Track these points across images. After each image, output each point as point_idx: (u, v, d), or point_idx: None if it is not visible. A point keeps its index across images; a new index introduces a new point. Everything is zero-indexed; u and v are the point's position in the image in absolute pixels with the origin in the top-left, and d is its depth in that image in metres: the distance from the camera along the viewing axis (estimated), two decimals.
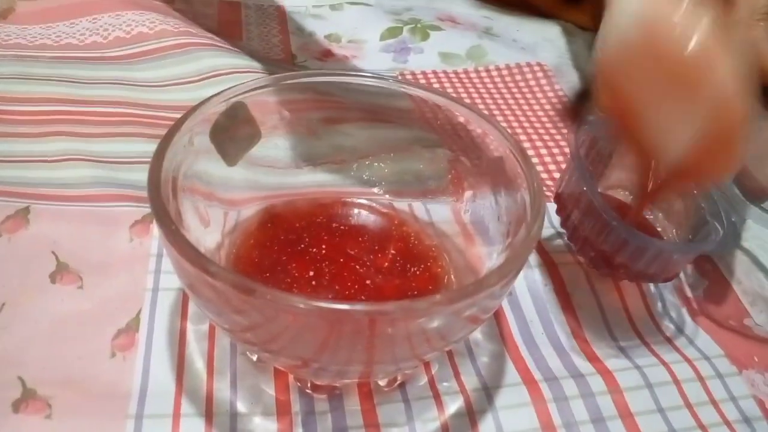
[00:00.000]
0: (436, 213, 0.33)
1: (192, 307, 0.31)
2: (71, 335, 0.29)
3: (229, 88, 0.29)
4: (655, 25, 0.24)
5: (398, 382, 0.28)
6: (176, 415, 0.27)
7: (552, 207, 0.34)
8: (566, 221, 0.34)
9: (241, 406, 0.27)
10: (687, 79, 0.24)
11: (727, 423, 0.29)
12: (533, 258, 0.36)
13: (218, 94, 0.28)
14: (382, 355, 0.24)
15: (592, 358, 0.31)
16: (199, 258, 0.21)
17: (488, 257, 0.29)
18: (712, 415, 0.30)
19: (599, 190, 0.34)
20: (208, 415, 0.27)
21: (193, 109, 0.27)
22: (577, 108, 0.33)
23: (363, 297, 0.28)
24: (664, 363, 0.31)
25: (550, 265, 0.35)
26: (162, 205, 0.23)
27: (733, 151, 0.25)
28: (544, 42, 0.57)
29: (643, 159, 0.29)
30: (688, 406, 0.30)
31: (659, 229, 0.35)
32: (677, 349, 0.32)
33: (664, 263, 0.31)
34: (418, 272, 0.30)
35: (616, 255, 0.31)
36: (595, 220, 0.31)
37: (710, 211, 0.33)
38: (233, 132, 0.30)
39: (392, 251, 0.31)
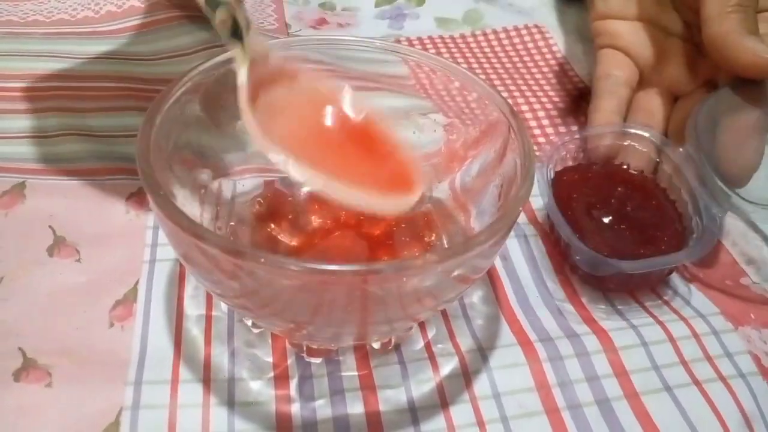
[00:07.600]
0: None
1: (189, 277, 0.31)
2: (70, 307, 0.29)
3: (220, 57, 0.28)
4: None
5: (393, 345, 0.29)
6: (174, 381, 0.27)
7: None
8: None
9: (238, 372, 0.28)
10: None
11: (722, 378, 0.29)
12: (528, 229, 0.35)
13: (208, 61, 0.28)
14: (375, 316, 0.24)
15: (587, 319, 0.31)
16: (189, 223, 0.21)
17: (480, 222, 0.29)
18: (707, 371, 0.30)
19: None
20: (206, 380, 0.27)
21: (182, 76, 0.27)
22: None
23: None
24: (659, 322, 0.31)
25: (545, 235, 0.35)
26: (150, 171, 0.23)
27: None
28: (541, 6, 0.56)
29: None
30: (683, 362, 0.30)
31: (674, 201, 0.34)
32: (673, 309, 0.32)
33: (643, 277, 0.32)
34: (411, 240, 0.30)
35: (594, 275, 0.32)
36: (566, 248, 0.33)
37: (692, 208, 0.33)
38: (224, 100, 0.30)
39: (386, 220, 0.31)
